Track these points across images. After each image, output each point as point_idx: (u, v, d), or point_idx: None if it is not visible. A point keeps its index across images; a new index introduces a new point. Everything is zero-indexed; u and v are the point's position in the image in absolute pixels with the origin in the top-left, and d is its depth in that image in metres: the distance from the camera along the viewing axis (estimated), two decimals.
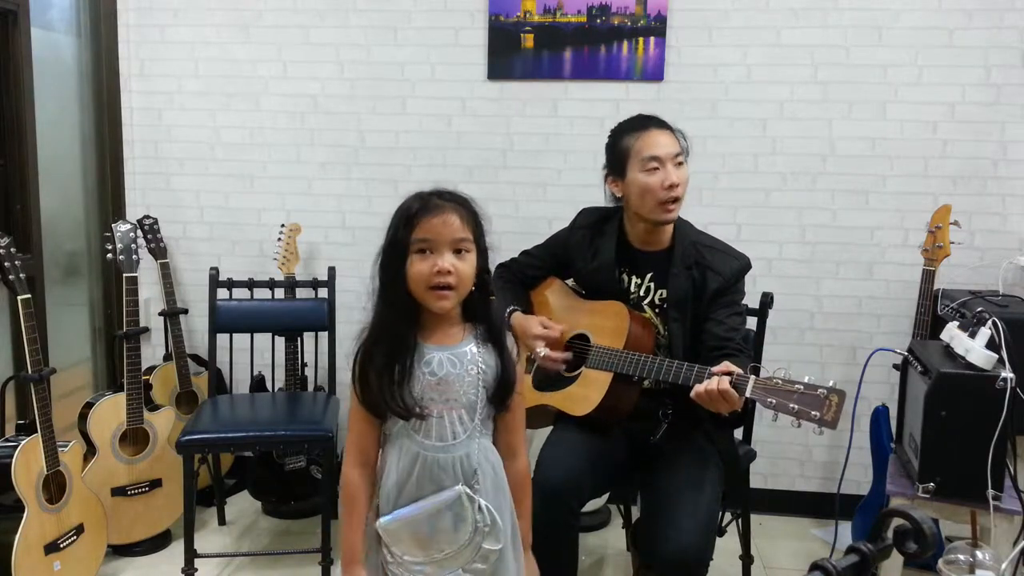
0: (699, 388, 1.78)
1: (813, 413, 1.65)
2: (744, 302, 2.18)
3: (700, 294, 2.05)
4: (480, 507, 1.47)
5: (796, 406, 1.67)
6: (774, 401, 1.69)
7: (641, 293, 2.13)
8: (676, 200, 2.02)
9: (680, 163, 2.04)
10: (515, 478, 1.57)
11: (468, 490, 1.46)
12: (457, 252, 1.45)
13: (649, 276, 2.12)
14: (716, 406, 1.77)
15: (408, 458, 1.48)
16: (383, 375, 1.45)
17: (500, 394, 1.50)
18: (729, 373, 1.76)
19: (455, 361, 1.48)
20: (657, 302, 2.11)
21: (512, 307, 2.21)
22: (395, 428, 1.50)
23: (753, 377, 1.75)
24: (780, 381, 1.70)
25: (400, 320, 1.47)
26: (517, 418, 1.58)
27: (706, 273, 2.05)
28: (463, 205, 1.48)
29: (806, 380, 1.68)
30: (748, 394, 1.74)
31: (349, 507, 1.54)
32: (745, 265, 2.11)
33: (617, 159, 2.09)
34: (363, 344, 1.50)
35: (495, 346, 1.51)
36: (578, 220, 2.26)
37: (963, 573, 1.92)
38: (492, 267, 1.56)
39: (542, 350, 2.09)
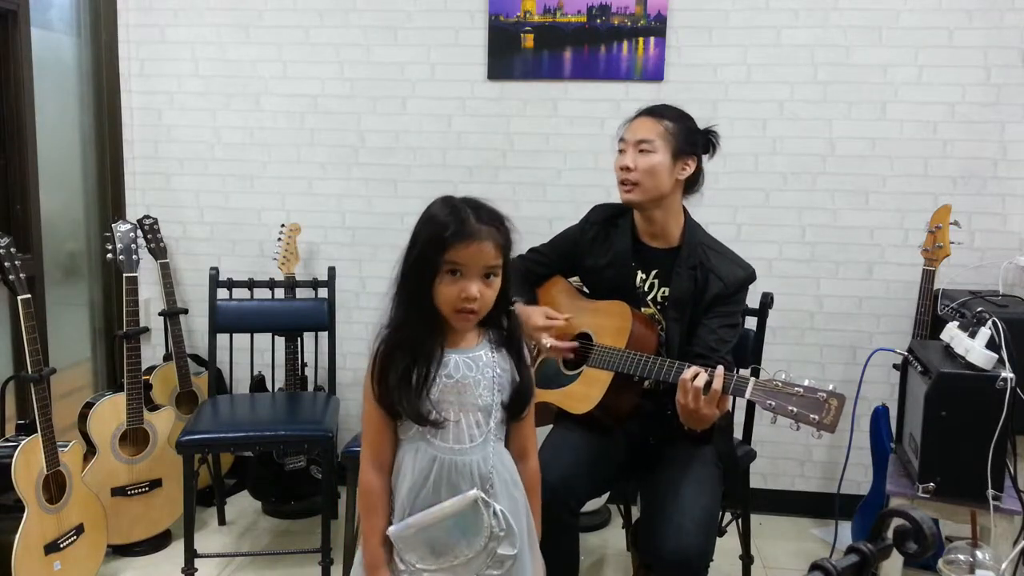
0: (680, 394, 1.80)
1: (812, 416, 1.65)
2: (744, 303, 2.18)
3: (700, 296, 2.05)
4: (495, 512, 1.45)
5: (795, 409, 1.67)
6: (773, 403, 1.70)
7: (645, 288, 2.13)
8: (629, 184, 2.03)
9: (644, 150, 2.02)
10: (528, 479, 1.57)
11: (483, 495, 1.45)
12: (486, 276, 1.44)
13: (654, 272, 2.12)
14: (698, 411, 1.79)
15: (425, 462, 1.46)
16: (402, 379, 1.44)
17: (517, 404, 1.50)
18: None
19: (471, 364, 1.48)
20: (659, 299, 2.11)
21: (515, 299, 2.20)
22: (410, 432, 1.48)
23: (753, 379, 1.75)
24: (780, 384, 1.70)
25: (425, 329, 1.46)
26: (529, 421, 1.58)
27: (709, 276, 2.05)
28: (499, 229, 1.44)
29: (806, 383, 1.68)
30: (748, 396, 1.74)
31: (369, 512, 1.50)
32: (750, 276, 2.10)
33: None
34: (385, 344, 1.47)
35: (513, 355, 1.51)
36: (591, 216, 2.26)
37: (963, 573, 1.93)
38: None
39: (548, 341, 2.09)
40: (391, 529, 1.46)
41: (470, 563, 1.46)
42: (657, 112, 2.08)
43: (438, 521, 1.44)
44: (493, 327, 1.53)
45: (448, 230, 1.40)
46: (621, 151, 2.08)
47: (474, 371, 1.47)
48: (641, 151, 2.03)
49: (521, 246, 2.32)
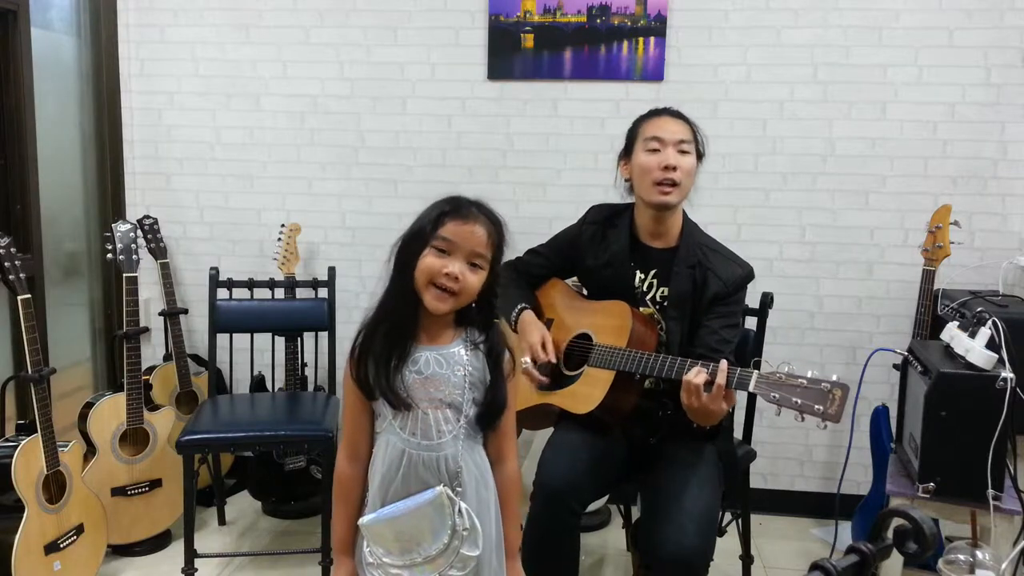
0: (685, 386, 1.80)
1: (816, 407, 1.65)
2: (744, 302, 2.18)
3: (700, 296, 2.05)
4: (460, 510, 1.46)
5: (799, 400, 1.67)
6: (778, 396, 1.70)
7: (644, 288, 2.13)
8: (673, 184, 2.01)
9: (684, 151, 2.02)
10: (504, 483, 1.56)
11: (450, 491, 1.46)
12: (472, 265, 1.45)
13: (653, 272, 2.11)
14: (704, 407, 1.79)
15: (394, 454, 1.49)
16: (379, 359, 1.47)
17: (488, 417, 1.50)
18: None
19: (442, 361, 1.49)
20: (658, 299, 2.11)
21: (523, 305, 2.20)
22: (383, 424, 1.51)
23: (756, 372, 1.75)
24: (783, 376, 1.71)
25: (403, 311, 1.48)
26: (506, 423, 1.57)
27: (708, 276, 2.04)
28: (495, 224, 1.49)
29: (809, 375, 1.69)
30: (752, 389, 1.74)
31: (339, 500, 1.57)
32: (748, 274, 2.10)
33: (628, 140, 2.13)
34: (368, 324, 1.51)
35: (491, 365, 1.51)
36: (589, 216, 2.25)
37: (963, 573, 1.93)
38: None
39: (527, 361, 2.09)
40: (362, 520, 1.49)
41: (434, 561, 1.46)
42: (679, 114, 2.09)
43: (406, 514, 1.45)
44: (472, 327, 1.53)
45: (447, 207, 1.47)
46: (656, 150, 2.03)
47: (444, 368, 1.48)
48: (681, 152, 2.03)
49: (521, 246, 2.35)
